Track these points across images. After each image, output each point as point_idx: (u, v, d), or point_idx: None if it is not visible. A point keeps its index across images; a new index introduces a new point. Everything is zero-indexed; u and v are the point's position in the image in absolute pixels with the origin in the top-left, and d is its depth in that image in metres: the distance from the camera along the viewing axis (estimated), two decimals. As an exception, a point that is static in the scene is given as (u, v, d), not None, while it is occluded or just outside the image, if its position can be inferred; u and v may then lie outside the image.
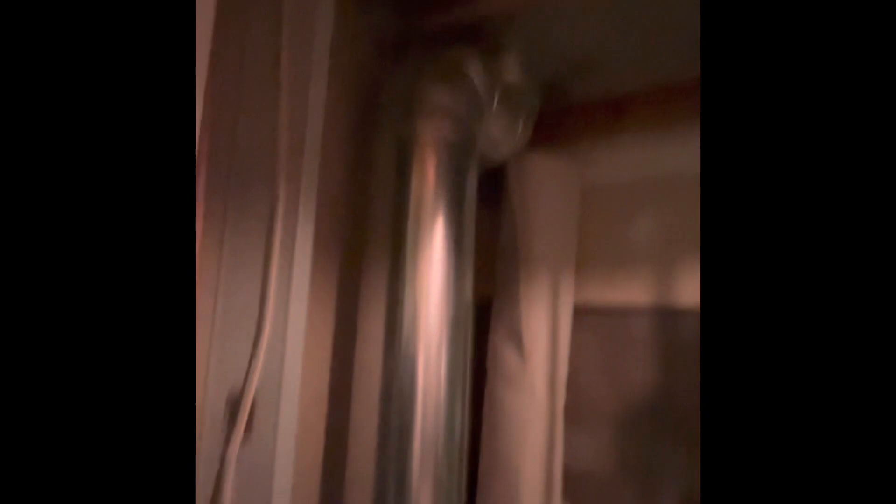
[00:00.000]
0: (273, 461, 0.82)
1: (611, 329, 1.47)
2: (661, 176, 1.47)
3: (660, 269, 1.44)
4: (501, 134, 1.27)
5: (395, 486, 0.92)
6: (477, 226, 1.17)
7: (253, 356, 0.86)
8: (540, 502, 1.28)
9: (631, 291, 1.45)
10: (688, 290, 1.40)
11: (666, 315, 1.42)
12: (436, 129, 1.08)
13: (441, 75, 1.10)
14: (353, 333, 1.08)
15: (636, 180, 1.51)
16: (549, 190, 1.43)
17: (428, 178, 1.05)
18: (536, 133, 1.42)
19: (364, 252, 1.10)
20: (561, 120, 1.52)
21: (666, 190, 1.46)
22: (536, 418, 1.30)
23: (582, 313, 1.44)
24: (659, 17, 1.16)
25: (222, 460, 0.85)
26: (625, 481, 1.40)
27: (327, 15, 0.97)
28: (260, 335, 0.86)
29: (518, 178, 1.41)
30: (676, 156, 1.41)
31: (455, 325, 1.00)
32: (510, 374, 1.32)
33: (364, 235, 1.11)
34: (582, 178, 1.50)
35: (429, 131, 1.07)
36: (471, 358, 1.07)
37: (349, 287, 1.08)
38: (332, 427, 1.03)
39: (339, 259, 1.06)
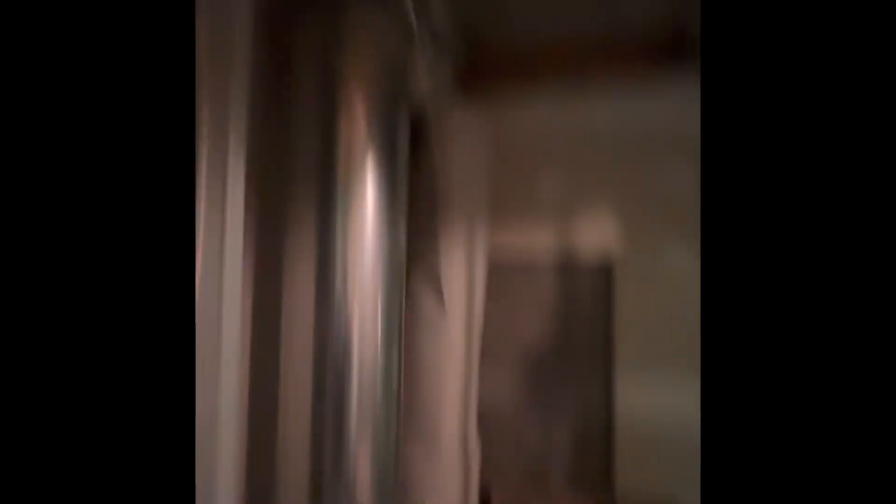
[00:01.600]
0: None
1: (518, 278, 1.56)
2: (571, 134, 1.55)
3: (565, 222, 1.55)
4: (427, 81, 1.24)
5: (333, 438, 0.92)
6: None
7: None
8: (458, 436, 1.36)
9: (538, 243, 1.55)
10: (590, 242, 1.54)
11: (568, 268, 1.55)
12: (366, 62, 0.99)
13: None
14: (279, 285, 1.02)
15: (547, 136, 1.57)
16: (467, 141, 1.44)
17: (357, 119, 0.99)
18: (456, 86, 1.41)
19: (289, 199, 1.03)
20: (479, 74, 1.52)
21: (575, 147, 1.56)
22: (453, 360, 1.36)
23: (493, 262, 1.52)
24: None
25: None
26: (529, 416, 1.54)
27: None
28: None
29: (438, 129, 1.40)
30: (586, 115, 1.53)
31: (390, 276, 0.99)
32: (428, 317, 1.35)
33: (289, 184, 1.03)
34: (497, 131, 1.52)
35: (358, 64, 0.98)
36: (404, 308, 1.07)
37: (272, 238, 1.01)
38: (257, 382, 0.98)
39: (260, 207, 0.98)
